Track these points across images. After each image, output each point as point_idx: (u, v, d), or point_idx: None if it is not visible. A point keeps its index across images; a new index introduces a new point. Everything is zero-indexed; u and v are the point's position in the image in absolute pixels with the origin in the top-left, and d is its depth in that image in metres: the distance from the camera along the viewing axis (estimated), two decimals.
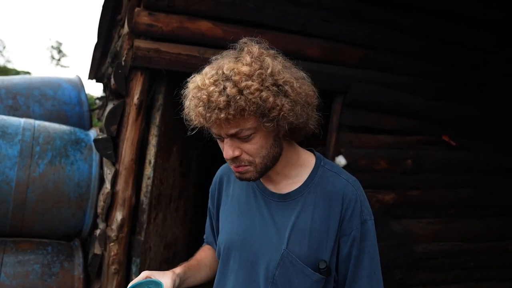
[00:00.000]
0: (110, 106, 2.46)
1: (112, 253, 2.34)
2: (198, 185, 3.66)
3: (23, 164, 2.44)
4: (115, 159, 2.38)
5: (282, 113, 1.01)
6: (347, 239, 1.12)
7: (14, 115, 2.94)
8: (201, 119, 1.00)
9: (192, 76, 1.08)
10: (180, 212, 3.10)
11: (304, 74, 1.13)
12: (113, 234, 2.33)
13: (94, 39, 4.26)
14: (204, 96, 0.98)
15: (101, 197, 2.43)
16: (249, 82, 0.98)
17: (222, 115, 0.97)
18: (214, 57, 1.10)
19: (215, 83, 0.98)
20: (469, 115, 3.08)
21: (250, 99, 0.97)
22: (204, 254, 1.36)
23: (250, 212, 1.18)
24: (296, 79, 1.06)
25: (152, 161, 2.41)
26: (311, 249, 1.09)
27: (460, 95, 3.04)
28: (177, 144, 2.82)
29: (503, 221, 3.31)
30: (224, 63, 1.02)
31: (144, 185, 2.42)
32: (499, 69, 3.14)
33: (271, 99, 0.99)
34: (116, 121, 2.35)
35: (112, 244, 2.33)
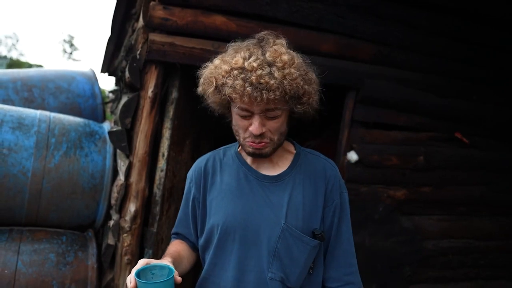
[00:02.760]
0: (124, 99, 2.48)
1: (125, 244, 2.37)
2: None
3: (39, 155, 2.48)
4: (129, 152, 2.41)
5: (311, 99, 1.22)
6: (330, 209, 1.30)
7: (29, 107, 2.99)
8: (246, 98, 1.13)
9: (215, 57, 1.24)
10: None
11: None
12: (126, 225, 2.36)
13: (106, 33, 4.30)
14: (253, 78, 1.10)
15: (115, 189, 2.47)
16: (292, 70, 1.14)
17: (271, 96, 1.11)
18: (231, 44, 1.25)
19: (261, 67, 1.12)
20: (482, 114, 3.07)
21: (292, 84, 1.14)
22: (180, 247, 1.37)
23: (244, 195, 1.28)
24: (308, 68, 1.24)
25: (165, 154, 2.44)
26: (305, 220, 1.25)
27: (473, 94, 3.03)
28: (190, 137, 2.84)
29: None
30: (258, 50, 1.16)
31: (157, 177, 2.45)
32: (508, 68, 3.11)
33: (305, 86, 1.18)
34: (130, 114, 2.38)
35: (125, 235, 2.37)
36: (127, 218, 2.38)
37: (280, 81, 1.11)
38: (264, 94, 1.11)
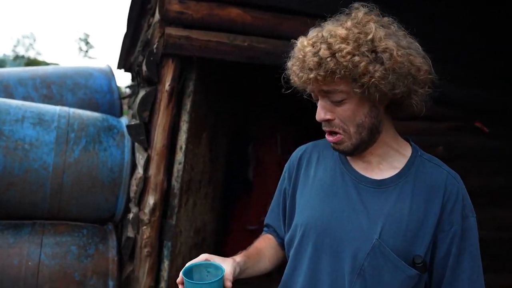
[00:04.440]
0: (142, 93, 2.51)
1: (145, 236, 2.40)
2: (225, 173, 3.70)
3: (59, 150, 2.52)
4: (147, 145, 2.43)
5: (373, 79, 0.98)
6: (446, 236, 1.04)
7: (48, 104, 3.04)
8: (296, 78, 1.06)
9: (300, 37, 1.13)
10: (209, 198, 3.15)
11: (418, 46, 1.11)
12: (145, 217, 2.39)
13: (120, 31, 4.35)
14: (300, 56, 1.04)
15: (134, 182, 2.49)
16: (343, 45, 0.98)
17: (312, 75, 1.00)
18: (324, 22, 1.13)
19: (313, 45, 1.03)
20: (503, 104, 3.01)
21: (341, 62, 0.97)
22: (264, 243, 1.26)
23: (336, 195, 1.10)
24: (400, 48, 1.02)
25: (183, 147, 2.45)
26: (406, 242, 1.02)
27: (494, 84, 2.97)
28: (207, 130, 2.86)
29: None
30: (327, 26, 1.07)
31: (175, 170, 2.47)
32: None
33: (363, 64, 0.97)
34: (148, 107, 2.40)
35: (144, 227, 2.40)
36: (146, 210, 2.40)
37: (324, 59, 0.98)
38: (306, 74, 1.02)
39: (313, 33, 1.07)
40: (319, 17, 2.57)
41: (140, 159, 2.47)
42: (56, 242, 2.41)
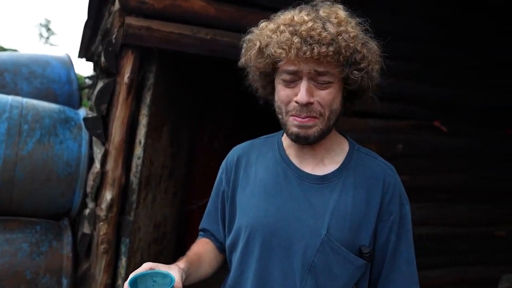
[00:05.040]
0: (100, 85, 2.42)
1: (102, 233, 2.33)
2: (187, 167, 3.65)
3: (11, 142, 2.40)
4: (105, 139, 2.35)
5: (370, 65, 1.04)
6: (386, 224, 1.08)
7: (1, 93, 2.89)
8: (293, 52, 0.97)
9: (261, 22, 1.10)
10: (169, 193, 3.09)
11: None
12: (102, 213, 2.32)
13: (83, 17, 4.18)
14: (303, 30, 0.97)
15: (91, 177, 2.41)
16: (349, 28, 1.00)
17: (323, 50, 0.95)
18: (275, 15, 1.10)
19: (314, 20, 0.99)
20: (463, 101, 3.09)
21: (348, 43, 0.99)
22: (203, 248, 1.22)
23: (280, 194, 1.09)
24: (371, 40, 1.08)
25: (142, 141, 2.39)
26: (352, 234, 1.04)
27: (454, 80, 3.04)
28: (168, 124, 2.79)
29: (491, 206, 3.35)
30: (311, 8, 1.04)
31: (134, 165, 2.40)
32: (495, 55, 3.14)
33: (364, 50, 1.02)
34: (106, 100, 2.31)
35: (101, 223, 2.32)
36: (103, 206, 2.33)
37: (335, 36, 0.97)
38: (316, 48, 0.95)
39: (297, 12, 1.03)
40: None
41: (98, 153, 2.39)
42: (5, 239, 2.30)
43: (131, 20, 2.24)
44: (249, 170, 1.17)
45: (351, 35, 0.99)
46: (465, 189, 3.22)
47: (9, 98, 2.60)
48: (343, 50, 0.98)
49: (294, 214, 1.06)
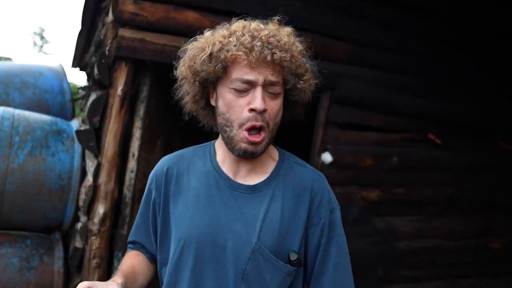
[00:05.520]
0: (93, 97, 2.40)
1: (94, 247, 2.29)
2: None
3: (1, 154, 2.37)
4: (97, 152, 2.33)
5: (311, 79, 1.10)
6: (316, 228, 1.11)
7: None
8: (254, 55, 0.99)
9: (206, 31, 1.13)
10: None
11: None
12: (94, 227, 2.28)
13: (78, 26, 4.16)
14: (263, 35, 1.00)
15: (83, 190, 2.38)
16: (297, 43, 1.07)
17: (283, 55, 1.00)
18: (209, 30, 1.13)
19: (269, 29, 1.03)
20: (455, 115, 3.10)
21: (297, 55, 1.05)
22: (135, 261, 1.20)
23: (213, 204, 1.10)
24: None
25: (136, 154, 2.36)
26: (281, 241, 1.07)
27: (446, 94, 3.06)
28: (162, 137, 2.77)
29: (483, 218, 3.36)
30: (261, 22, 1.08)
31: (127, 178, 2.37)
32: (485, 69, 3.16)
33: (307, 65, 1.09)
34: (99, 112, 2.29)
35: (93, 237, 2.29)
36: (96, 220, 2.29)
37: (290, 45, 1.03)
38: (277, 53, 0.99)
39: (252, 22, 1.07)
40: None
41: (90, 166, 2.36)
42: None
43: (124, 32, 2.23)
44: (180, 181, 1.15)
45: (300, 49, 1.07)
46: (455, 201, 3.22)
47: (0, 110, 2.56)
48: (295, 60, 1.04)
49: (226, 224, 1.07)
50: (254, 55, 0.98)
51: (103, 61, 2.24)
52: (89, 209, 2.35)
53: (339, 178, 2.75)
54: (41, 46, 27.25)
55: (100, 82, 2.32)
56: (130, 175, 2.37)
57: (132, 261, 1.19)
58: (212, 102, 1.12)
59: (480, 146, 3.27)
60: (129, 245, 1.29)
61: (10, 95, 3.08)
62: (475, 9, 2.95)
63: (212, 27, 2.40)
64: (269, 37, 1.00)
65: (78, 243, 2.37)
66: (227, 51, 1.00)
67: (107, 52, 2.24)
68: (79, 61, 5.14)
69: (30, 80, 3.22)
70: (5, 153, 2.38)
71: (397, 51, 2.84)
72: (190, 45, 1.12)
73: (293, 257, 1.06)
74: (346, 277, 1.13)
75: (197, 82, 1.09)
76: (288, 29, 1.08)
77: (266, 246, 1.05)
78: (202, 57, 1.04)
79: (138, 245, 1.26)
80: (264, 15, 2.42)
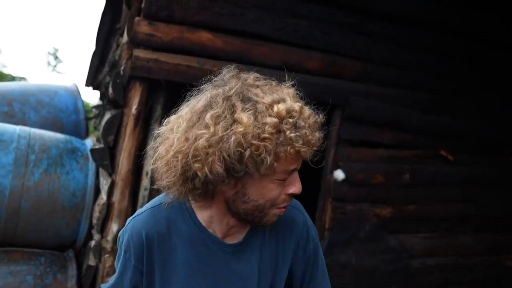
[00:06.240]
0: (107, 116, 2.44)
1: (107, 265, 2.30)
2: None
3: (18, 173, 2.40)
4: (111, 170, 2.36)
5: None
6: (301, 260, 1.12)
7: (9, 122, 2.91)
8: (312, 147, 0.91)
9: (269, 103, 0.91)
10: None
11: None
12: (108, 245, 2.30)
13: (91, 46, 4.27)
14: (311, 123, 0.91)
15: (97, 208, 2.40)
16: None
17: (317, 144, 0.92)
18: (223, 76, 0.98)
19: (306, 111, 0.92)
20: (465, 130, 3.10)
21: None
22: None
23: (207, 271, 1.04)
24: None
25: (150, 172, 2.39)
26: (274, 283, 1.09)
27: (456, 109, 3.06)
28: None
29: (496, 234, 3.31)
30: (273, 89, 0.94)
31: (140, 196, 2.39)
32: (494, 84, 3.16)
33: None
34: (113, 131, 2.33)
35: (107, 255, 2.30)
36: (109, 238, 2.31)
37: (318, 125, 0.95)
38: (319, 135, 0.93)
39: (289, 100, 0.91)
40: (288, 43, 2.60)
41: (104, 184, 2.39)
42: (10, 271, 2.27)
43: (139, 53, 2.28)
44: (163, 245, 1.03)
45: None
46: (468, 217, 3.19)
47: (17, 128, 2.62)
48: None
49: (225, 286, 1.05)
50: (313, 148, 0.91)
51: (118, 80, 2.29)
52: (103, 227, 2.37)
53: (351, 195, 2.75)
54: (55, 66, 27.74)
55: (114, 101, 2.37)
56: (143, 193, 2.39)
57: None
58: (226, 188, 0.95)
59: (490, 162, 3.25)
60: None
61: (26, 114, 3.14)
62: (483, 23, 2.97)
63: (224, 47, 2.42)
64: (312, 118, 0.92)
65: (91, 261, 2.38)
66: (288, 145, 0.87)
67: (122, 72, 2.29)
68: (92, 80, 5.24)
69: (45, 99, 3.29)
70: (21, 171, 2.42)
71: (407, 68, 2.86)
72: (198, 132, 0.89)
73: None
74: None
75: (215, 178, 0.90)
76: (301, 103, 0.95)
77: None
78: (259, 159, 0.86)
79: None
80: (274, 35, 2.46)
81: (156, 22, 2.30)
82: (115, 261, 1.12)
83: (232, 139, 0.85)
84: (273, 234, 1.08)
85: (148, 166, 2.39)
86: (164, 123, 1.02)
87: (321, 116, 0.96)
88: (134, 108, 2.30)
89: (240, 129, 0.85)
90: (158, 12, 2.27)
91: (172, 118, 1.01)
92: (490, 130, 3.19)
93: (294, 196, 0.98)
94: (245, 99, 0.89)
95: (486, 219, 3.27)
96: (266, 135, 0.85)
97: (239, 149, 0.85)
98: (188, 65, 2.33)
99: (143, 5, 2.28)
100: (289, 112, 0.87)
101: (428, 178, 2.99)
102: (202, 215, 1.04)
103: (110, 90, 2.36)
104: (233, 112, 0.87)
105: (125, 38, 2.42)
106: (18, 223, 2.40)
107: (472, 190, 3.19)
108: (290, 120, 0.87)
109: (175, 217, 1.04)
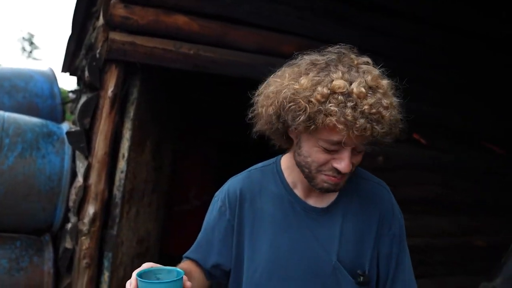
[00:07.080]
0: (83, 99, 2.42)
1: (84, 247, 2.31)
2: (170, 181, 3.65)
3: None
4: (88, 153, 2.35)
5: (396, 127, 1.03)
6: (386, 238, 1.14)
7: None
8: (355, 132, 0.92)
9: (282, 70, 1.06)
10: (153, 207, 3.09)
11: None
12: (85, 228, 2.30)
13: (67, 32, 4.18)
14: (366, 107, 0.91)
15: (73, 191, 2.40)
16: (393, 101, 1.00)
17: (383, 131, 0.94)
18: (300, 59, 1.06)
19: (372, 95, 0.94)
20: (441, 117, 3.17)
21: (395, 115, 1.00)
22: (193, 267, 1.17)
23: (291, 229, 1.12)
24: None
25: (126, 155, 2.39)
26: (356, 260, 1.11)
27: (431, 97, 3.12)
28: (151, 138, 2.80)
29: (468, 218, 3.42)
30: (352, 70, 0.98)
31: (117, 179, 2.40)
32: (473, 75, 3.25)
33: (399, 124, 1.04)
34: (89, 114, 2.32)
35: (83, 238, 2.31)
36: (86, 220, 2.31)
37: (389, 116, 0.95)
38: (376, 127, 0.92)
39: (352, 77, 0.96)
40: (265, 28, 2.61)
41: (81, 167, 2.39)
42: None
43: (115, 35, 2.26)
44: (254, 204, 1.16)
45: (395, 105, 1.01)
46: (441, 200, 3.28)
47: None
48: (391, 128, 0.99)
49: (306, 246, 1.10)
50: (355, 132, 0.92)
51: (94, 63, 2.28)
52: (79, 209, 2.37)
53: None
54: (30, 52, 27.05)
55: (90, 85, 2.35)
56: (120, 176, 2.40)
57: (190, 267, 1.17)
58: (292, 135, 1.07)
59: (464, 149, 3.34)
60: (184, 258, 1.26)
61: (0, 99, 3.10)
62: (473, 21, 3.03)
63: (200, 30, 2.43)
64: (372, 108, 0.92)
65: (68, 243, 2.39)
66: (326, 116, 0.92)
67: (97, 55, 2.28)
68: (68, 66, 5.16)
69: (21, 83, 3.24)
70: None
71: (383, 53, 2.89)
72: (268, 88, 1.05)
73: (359, 278, 1.09)
74: (413, 278, 1.20)
75: (281, 124, 1.04)
76: (383, 84, 0.99)
77: (345, 262, 1.09)
78: (296, 114, 0.96)
79: (194, 262, 1.23)
80: (251, 19, 2.47)
81: (132, 5, 2.28)
82: (205, 218, 1.23)
83: (284, 90, 0.98)
84: (356, 208, 1.14)
85: (124, 149, 2.40)
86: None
87: (400, 117, 1.01)
88: (110, 91, 2.29)
89: (296, 86, 0.97)
90: None
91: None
92: (464, 118, 3.27)
93: (339, 173, 1.01)
94: (323, 69, 0.98)
95: (458, 203, 3.37)
96: (311, 99, 0.94)
97: (286, 101, 0.97)
98: (164, 48, 2.33)
99: None
100: (343, 90, 0.92)
101: (401, 161, 3.06)
102: (289, 177, 1.16)
103: (86, 73, 2.35)
104: (304, 74, 0.99)
105: (101, 21, 2.40)
106: None
107: (444, 174, 3.27)
108: (340, 97, 0.92)
109: (267, 180, 1.17)
